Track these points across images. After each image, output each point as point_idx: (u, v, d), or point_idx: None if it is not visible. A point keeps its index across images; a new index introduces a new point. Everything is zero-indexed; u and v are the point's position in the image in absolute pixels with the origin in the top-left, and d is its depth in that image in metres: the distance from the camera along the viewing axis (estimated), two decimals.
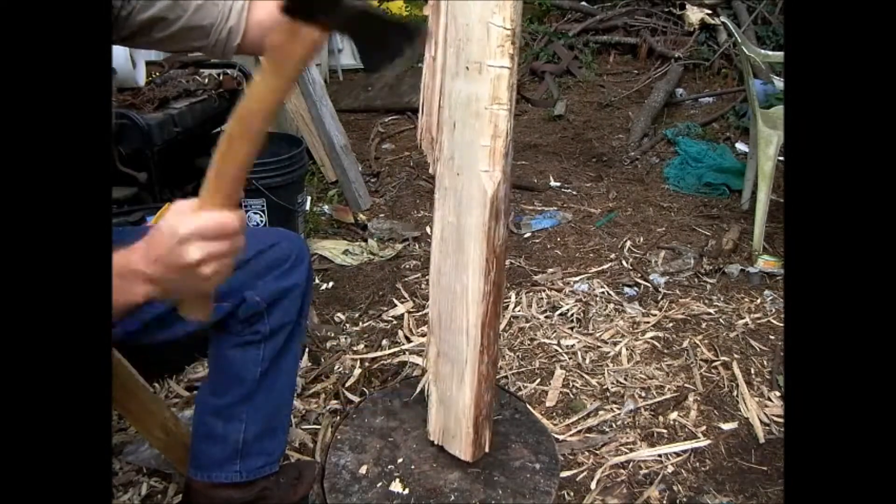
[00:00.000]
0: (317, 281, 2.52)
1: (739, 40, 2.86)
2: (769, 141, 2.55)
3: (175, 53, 2.71)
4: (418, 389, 1.72)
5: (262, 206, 2.39)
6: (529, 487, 1.53)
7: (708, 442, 1.77)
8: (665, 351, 2.13)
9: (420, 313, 2.29)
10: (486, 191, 1.31)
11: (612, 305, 2.35)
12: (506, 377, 2.01)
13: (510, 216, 2.97)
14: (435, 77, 1.36)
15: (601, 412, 1.87)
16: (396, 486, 1.53)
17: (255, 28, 1.17)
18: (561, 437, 1.77)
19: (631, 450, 1.74)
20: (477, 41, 1.25)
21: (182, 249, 0.79)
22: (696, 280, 2.52)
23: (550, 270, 2.57)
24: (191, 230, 0.79)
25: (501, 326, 2.23)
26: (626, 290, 2.45)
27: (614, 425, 1.83)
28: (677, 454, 1.73)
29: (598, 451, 1.74)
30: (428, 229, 2.79)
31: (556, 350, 2.13)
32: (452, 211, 1.40)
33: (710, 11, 4.96)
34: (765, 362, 2.07)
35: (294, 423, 1.79)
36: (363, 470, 1.57)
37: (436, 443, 1.59)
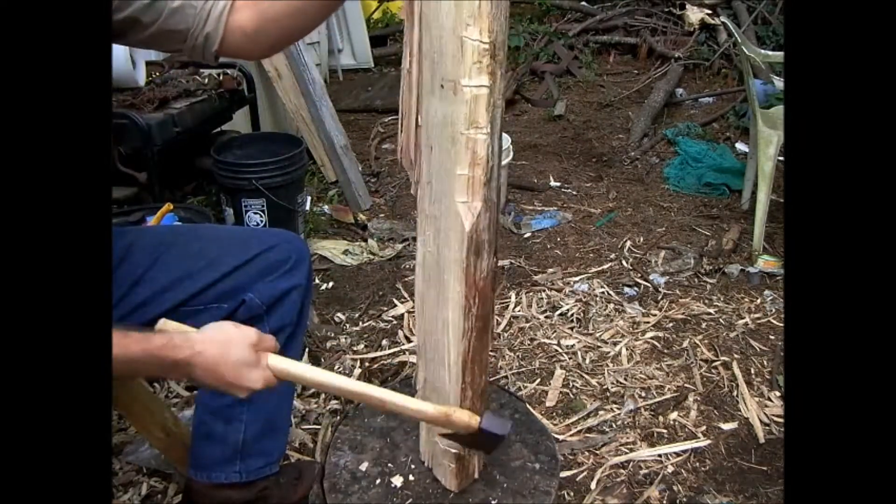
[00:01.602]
0: (317, 281, 2.52)
1: (739, 40, 2.86)
2: (769, 141, 2.55)
3: (174, 53, 2.71)
4: None
5: (262, 206, 2.40)
6: (529, 487, 1.53)
7: (708, 442, 1.77)
8: (665, 351, 2.13)
9: None
10: (464, 225, 1.19)
11: (612, 305, 2.35)
12: (506, 377, 2.01)
13: (511, 215, 2.97)
14: (411, 92, 1.22)
15: (601, 412, 1.87)
16: (397, 481, 1.53)
17: (235, 33, 1.15)
18: (561, 437, 1.77)
19: (631, 450, 1.74)
20: (451, 57, 1.09)
21: (247, 378, 1.02)
22: (696, 280, 2.52)
23: (550, 270, 2.57)
24: (263, 381, 1.04)
25: (501, 326, 2.24)
26: (626, 290, 2.45)
27: (614, 425, 1.83)
28: (677, 454, 1.73)
29: (598, 451, 1.74)
30: None
31: (556, 350, 2.13)
32: (432, 240, 1.29)
33: (710, 11, 4.96)
34: (765, 362, 2.07)
35: (294, 423, 1.79)
36: (363, 469, 1.57)
37: (426, 465, 1.56)
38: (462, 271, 1.24)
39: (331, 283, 2.52)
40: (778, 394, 1.94)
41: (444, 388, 1.39)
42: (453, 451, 1.44)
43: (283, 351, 1.34)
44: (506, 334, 2.21)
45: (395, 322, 2.27)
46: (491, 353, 2.10)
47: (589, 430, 1.81)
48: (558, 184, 3.39)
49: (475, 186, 1.17)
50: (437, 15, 1.09)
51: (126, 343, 0.94)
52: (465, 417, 1.15)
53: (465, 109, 1.12)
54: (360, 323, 2.28)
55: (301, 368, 1.09)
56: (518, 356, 2.11)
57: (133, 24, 1.10)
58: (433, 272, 1.32)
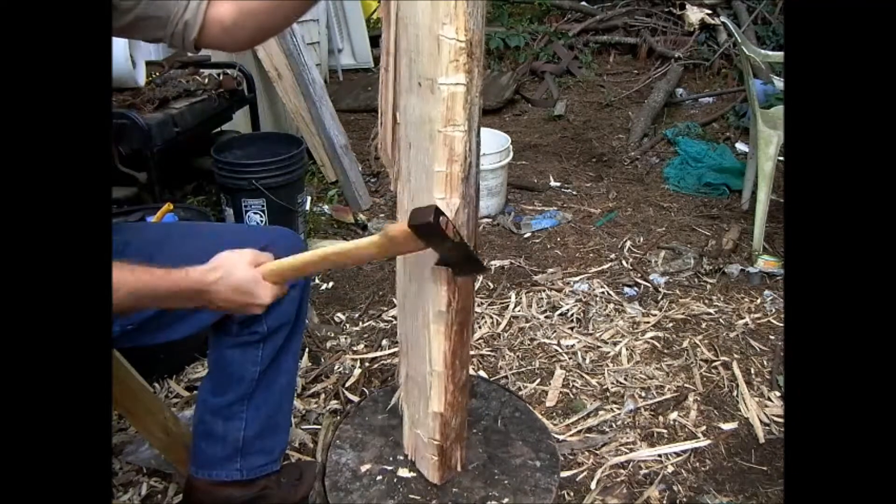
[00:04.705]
0: (317, 281, 2.52)
1: (739, 40, 2.86)
2: (769, 141, 2.55)
3: (174, 53, 2.71)
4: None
5: (262, 205, 2.40)
6: (530, 485, 1.53)
7: (708, 442, 1.77)
8: (665, 351, 2.13)
9: None
10: None
11: (612, 305, 2.35)
12: (506, 377, 2.01)
13: (511, 215, 2.97)
14: (388, 90, 1.24)
15: (601, 412, 1.87)
16: (398, 479, 1.53)
17: (214, 24, 1.17)
18: (561, 437, 1.77)
19: (631, 450, 1.74)
20: (427, 55, 1.10)
21: (256, 295, 1.10)
22: (696, 280, 2.52)
23: (550, 270, 2.57)
24: (270, 293, 1.12)
25: (501, 326, 2.24)
26: (626, 290, 2.45)
27: (614, 425, 1.83)
28: (677, 454, 1.74)
29: (598, 451, 1.74)
30: None
31: (556, 350, 2.13)
32: None
33: (710, 11, 4.96)
34: (765, 362, 2.07)
35: (294, 423, 1.79)
36: (364, 468, 1.57)
37: (410, 458, 1.57)
38: (443, 268, 1.25)
39: (331, 283, 2.52)
40: (778, 394, 1.94)
41: (425, 384, 1.40)
42: (435, 442, 1.44)
43: (283, 349, 1.34)
44: (506, 334, 2.21)
45: (395, 322, 2.27)
46: (491, 353, 2.11)
47: (589, 430, 1.81)
48: (558, 184, 3.39)
49: (453, 183, 1.19)
50: (414, 14, 1.10)
51: (152, 279, 1.04)
52: (397, 226, 1.10)
53: (442, 107, 1.13)
54: (360, 323, 2.28)
55: (292, 260, 1.14)
56: (518, 356, 2.11)
57: (112, 10, 1.11)
58: (414, 268, 1.33)
